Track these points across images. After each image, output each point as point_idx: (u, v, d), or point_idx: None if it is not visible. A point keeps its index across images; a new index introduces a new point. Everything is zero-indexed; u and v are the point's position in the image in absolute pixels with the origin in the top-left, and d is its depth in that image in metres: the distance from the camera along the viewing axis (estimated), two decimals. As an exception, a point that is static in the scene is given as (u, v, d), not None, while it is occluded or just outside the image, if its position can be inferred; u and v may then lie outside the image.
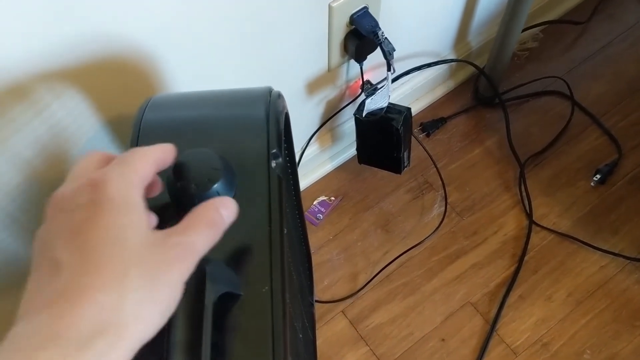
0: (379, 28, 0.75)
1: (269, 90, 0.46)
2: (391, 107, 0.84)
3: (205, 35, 0.63)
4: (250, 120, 0.43)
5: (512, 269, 0.95)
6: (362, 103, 0.83)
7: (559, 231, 0.97)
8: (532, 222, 0.98)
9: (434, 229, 0.97)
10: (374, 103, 0.79)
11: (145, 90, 0.62)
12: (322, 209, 1.01)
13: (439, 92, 1.11)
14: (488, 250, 0.97)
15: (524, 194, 1.01)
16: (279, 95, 0.47)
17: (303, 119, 0.90)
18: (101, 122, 0.61)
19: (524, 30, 1.12)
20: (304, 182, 1.02)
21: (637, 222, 0.98)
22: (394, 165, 0.92)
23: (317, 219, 1.00)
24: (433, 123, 1.07)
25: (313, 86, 0.85)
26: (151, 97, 0.45)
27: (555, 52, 1.15)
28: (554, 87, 1.10)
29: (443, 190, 1.01)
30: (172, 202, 0.37)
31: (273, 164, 0.40)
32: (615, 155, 1.03)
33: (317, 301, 0.92)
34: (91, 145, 0.61)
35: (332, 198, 1.02)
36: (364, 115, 0.81)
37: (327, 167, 1.04)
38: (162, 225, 0.34)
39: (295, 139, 0.81)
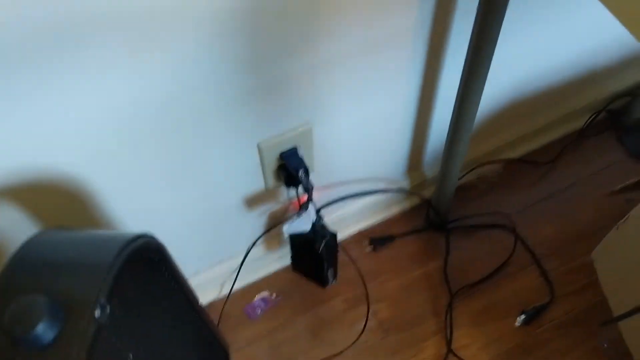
0: (302, 167, 0.85)
1: (132, 239, 0.57)
2: (318, 230, 0.93)
3: (143, 168, 0.75)
4: (94, 269, 0.53)
5: (422, 394, 1.01)
6: (291, 223, 0.93)
7: (475, 365, 1.02)
8: (450, 350, 1.04)
9: (354, 341, 1.04)
10: (295, 227, 0.89)
11: (78, 206, 0.75)
12: (263, 304, 1.10)
13: (394, 210, 1.19)
14: (404, 371, 1.03)
15: (447, 321, 1.06)
16: (145, 243, 0.58)
17: (247, 225, 1.00)
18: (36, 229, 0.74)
19: (485, 164, 1.20)
20: (251, 277, 1.11)
21: (552, 369, 1.02)
22: (320, 279, 1.00)
23: (256, 314, 1.09)
24: (381, 240, 1.16)
25: (253, 200, 0.95)
26: (35, 234, 0.57)
27: (514, 188, 1.22)
28: (503, 221, 1.17)
29: (367, 307, 1.08)
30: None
31: (96, 314, 0.51)
32: (547, 299, 1.08)
33: (233, 393, 1.01)
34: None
35: (274, 295, 1.11)
36: (285, 235, 0.91)
37: (275, 266, 1.13)
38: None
39: (240, 242, 0.93)
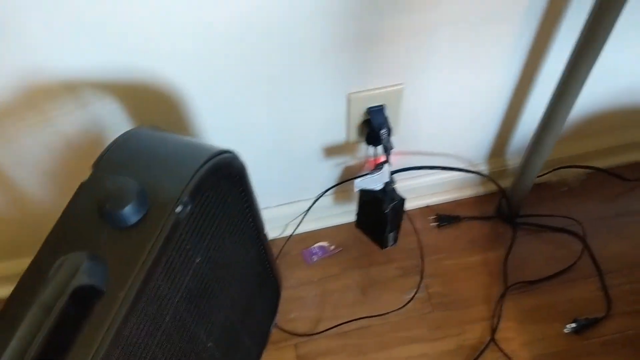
0: (386, 127, 0.87)
1: (218, 152, 0.61)
2: (388, 192, 0.95)
3: (238, 92, 0.79)
4: (182, 169, 0.58)
5: (455, 373, 1.02)
6: (364, 179, 0.96)
7: (513, 359, 1.02)
8: (492, 339, 1.04)
9: (400, 307, 1.07)
10: (364, 184, 0.91)
11: (173, 112, 0.80)
12: (320, 252, 1.14)
13: (467, 192, 1.19)
14: (443, 347, 1.05)
15: (497, 311, 1.06)
16: (229, 158, 0.62)
17: (320, 174, 1.04)
18: (131, 124, 0.79)
19: (568, 167, 1.17)
20: (314, 225, 1.15)
21: (591, 381, 1.00)
22: (380, 240, 1.02)
23: (311, 260, 1.13)
24: (447, 217, 1.16)
25: (332, 150, 0.98)
26: (134, 128, 0.62)
27: (592, 197, 1.19)
28: (574, 228, 1.14)
29: (420, 278, 1.09)
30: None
31: (178, 209, 0.55)
32: (602, 314, 1.06)
33: (276, 325, 1.05)
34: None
35: (332, 247, 1.14)
36: (356, 189, 0.93)
37: (338, 219, 1.16)
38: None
39: (312, 189, 1.02)
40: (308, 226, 1.15)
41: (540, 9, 0.79)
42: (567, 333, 1.05)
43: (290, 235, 1.13)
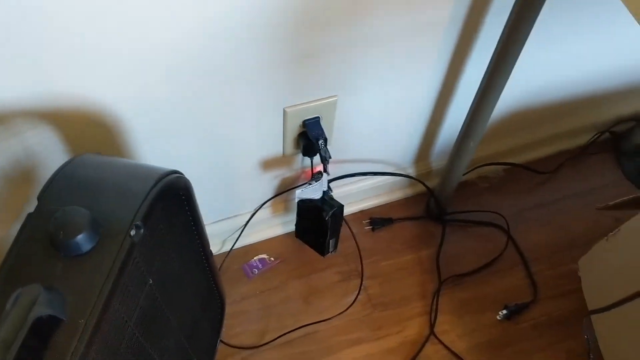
0: (322, 137, 0.90)
1: (166, 173, 0.61)
2: (327, 200, 0.98)
3: (174, 110, 0.80)
4: (133, 194, 0.58)
5: (400, 369, 1.06)
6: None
7: (453, 350, 1.08)
8: (432, 333, 1.09)
9: (342, 311, 1.10)
10: (305, 194, 0.94)
11: (107, 138, 0.79)
12: (260, 265, 1.15)
13: (397, 195, 1.24)
14: (385, 346, 1.09)
15: (434, 306, 1.12)
16: (176, 178, 0.62)
17: (258, 187, 1.05)
18: (66, 153, 0.78)
19: (488, 165, 1.25)
20: (253, 237, 1.16)
21: (525, 364, 1.07)
22: (320, 247, 1.05)
23: (252, 273, 1.14)
24: (381, 220, 1.21)
25: (268, 164, 1.00)
26: (77, 155, 0.61)
27: (512, 192, 1.27)
28: (498, 221, 1.22)
29: (360, 281, 1.13)
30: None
31: (132, 232, 0.55)
32: (529, 299, 1.13)
33: (222, 341, 1.06)
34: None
35: (272, 258, 1.16)
36: (297, 199, 0.95)
37: (277, 230, 1.18)
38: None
39: (249, 203, 0.98)
40: (247, 240, 1.15)
41: (460, 23, 0.85)
42: (499, 320, 1.11)
43: (230, 250, 1.14)
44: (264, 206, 1.10)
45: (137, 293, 0.61)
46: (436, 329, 1.10)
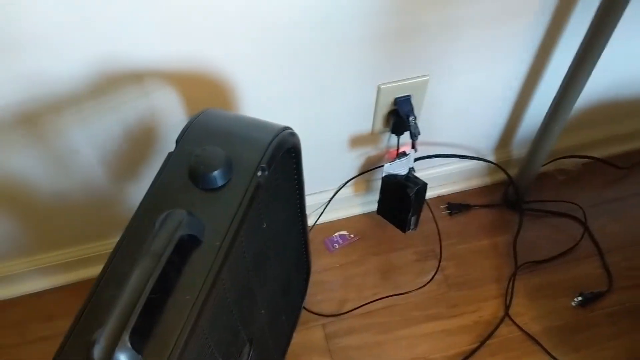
0: (413, 115, 0.95)
1: (283, 128, 0.69)
2: (411, 177, 1.04)
3: (277, 79, 0.87)
4: (258, 141, 0.65)
5: (474, 346, 1.10)
6: (389, 166, 1.04)
7: (527, 331, 1.10)
8: (507, 314, 1.12)
9: (419, 287, 1.14)
10: (393, 169, 0.99)
11: (221, 100, 0.87)
12: (340, 241, 1.21)
13: (475, 183, 1.28)
14: (461, 323, 1.12)
15: (509, 289, 1.15)
16: (290, 134, 0.69)
17: (343, 164, 1.11)
18: (185, 113, 0.86)
19: (567, 157, 1.27)
20: (334, 215, 1.22)
21: (598, 349, 1.09)
22: (401, 224, 1.10)
23: (333, 247, 1.20)
24: (458, 206, 1.25)
25: (356, 141, 1.06)
26: (206, 109, 0.69)
27: (590, 184, 1.29)
28: (575, 212, 1.24)
29: (438, 262, 1.18)
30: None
31: (259, 173, 0.63)
32: (604, 288, 1.15)
33: (304, 308, 1.12)
34: (174, 128, 0.87)
35: (352, 235, 1.22)
36: (385, 173, 1.01)
37: (357, 209, 1.24)
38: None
39: (334, 179, 1.05)
40: (329, 216, 1.22)
41: (552, 6, 0.89)
42: (573, 306, 1.13)
43: (313, 225, 1.21)
44: (347, 185, 1.16)
45: (256, 232, 0.69)
46: (510, 311, 1.13)
